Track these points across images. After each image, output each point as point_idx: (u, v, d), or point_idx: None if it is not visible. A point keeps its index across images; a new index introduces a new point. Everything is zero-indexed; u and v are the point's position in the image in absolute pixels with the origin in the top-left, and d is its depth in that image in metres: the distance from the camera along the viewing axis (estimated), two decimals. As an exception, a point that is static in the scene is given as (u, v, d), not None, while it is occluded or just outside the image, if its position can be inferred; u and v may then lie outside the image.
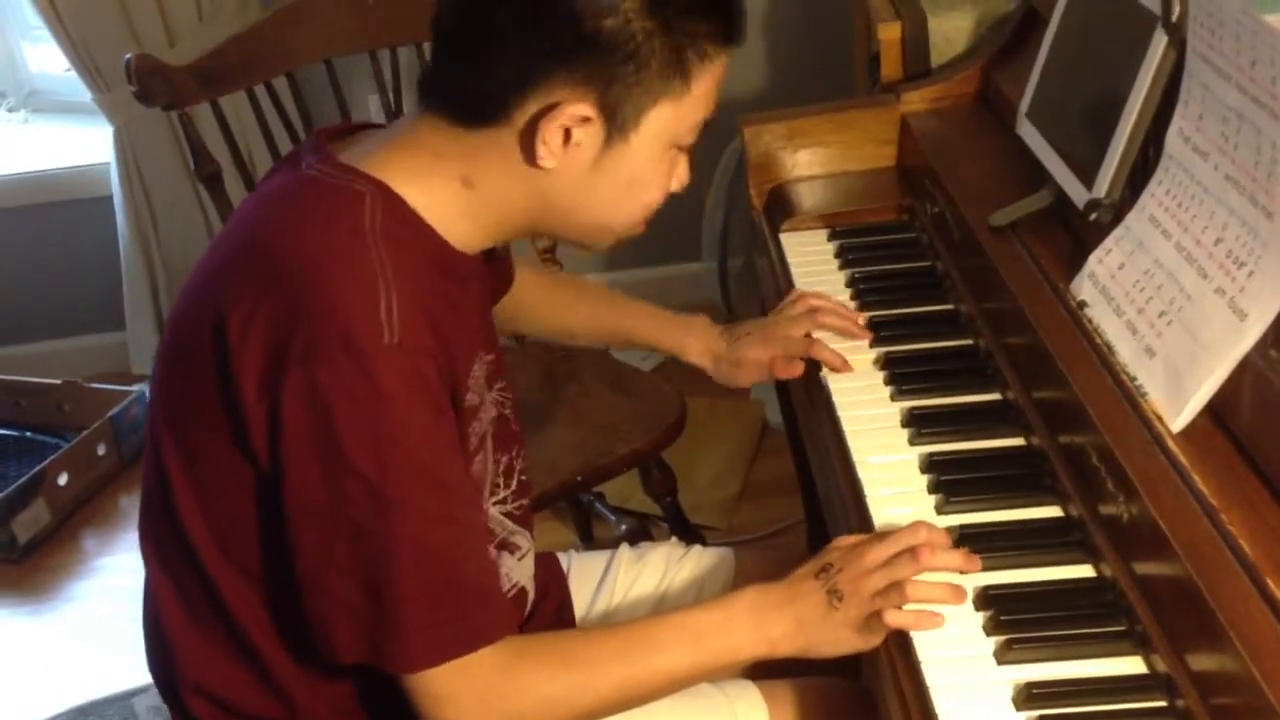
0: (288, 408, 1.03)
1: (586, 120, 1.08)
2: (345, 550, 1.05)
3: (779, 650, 1.15)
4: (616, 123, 1.09)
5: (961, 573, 1.11)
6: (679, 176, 1.19)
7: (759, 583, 1.17)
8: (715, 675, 1.22)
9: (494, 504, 1.25)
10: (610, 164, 1.11)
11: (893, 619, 1.08)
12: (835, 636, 1.13)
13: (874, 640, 1.11)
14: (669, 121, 1.11)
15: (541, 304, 1.57)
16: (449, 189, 1.13)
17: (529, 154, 1.10)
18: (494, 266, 1.39)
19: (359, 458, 1.03)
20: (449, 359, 1.10)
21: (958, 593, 1.10)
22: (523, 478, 1.32)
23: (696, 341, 1.54)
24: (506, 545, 1.30)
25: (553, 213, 1.15)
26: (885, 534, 1.14)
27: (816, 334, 1.48)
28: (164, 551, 1.18)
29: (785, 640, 1.14)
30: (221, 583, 1.14)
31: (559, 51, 1.06)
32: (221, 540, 1.13)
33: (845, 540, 1.16)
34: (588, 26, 1.05)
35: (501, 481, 1.26)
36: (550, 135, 1.08)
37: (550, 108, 1.07)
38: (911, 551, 1.11)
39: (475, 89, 1.10)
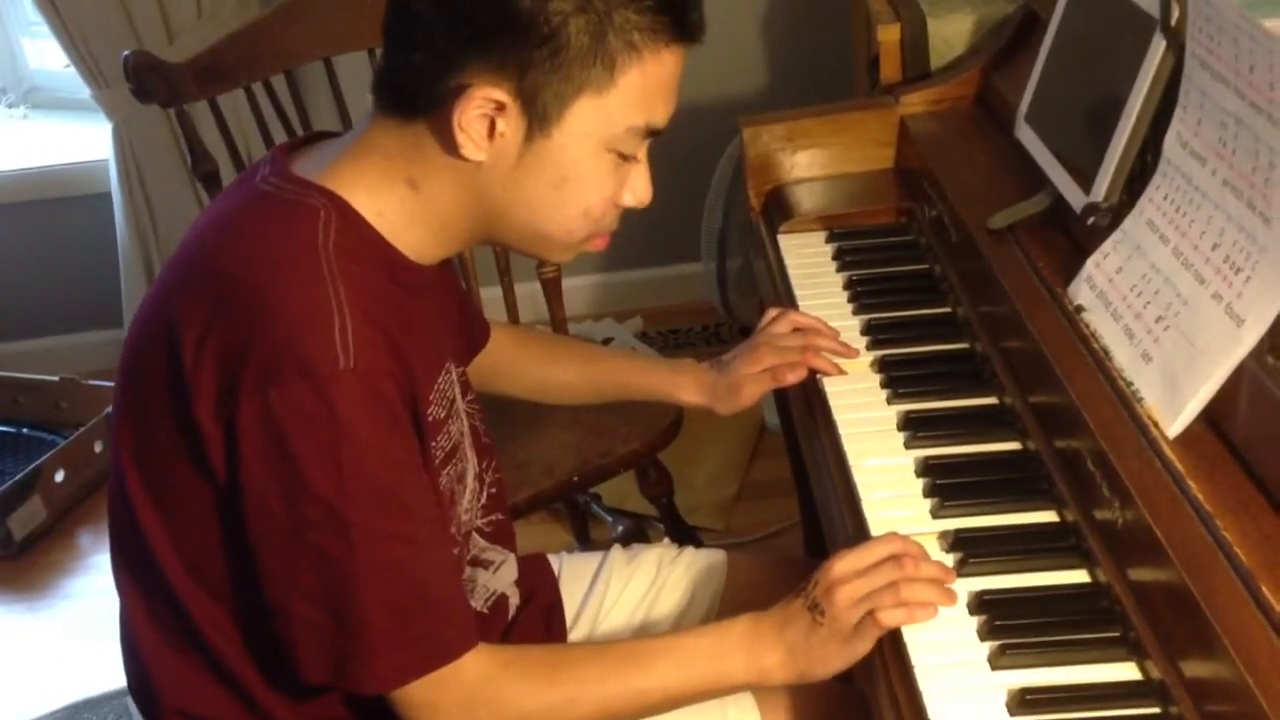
0: (244, 433, 1.02)
1: (501, 107, 1.05)
2: (308, 574, 1.04)
3: (772, 679, 1.15)
4: (536, 112, 1.05)
5: (940, 583, 1.10)
6: (634, 190, 1.14)
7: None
8: (705, 700, 1.19)
9: (464, 518, 1.24)
10: (534, 160, 1.08)
11: (887, 618, 1.08)
12: (824, 655, 1.12)
13: (861, 650, 1.10)
14: (596, 118, 1.07)
15: (520, 360, 1.52)
16: (396, 193, 1.10)
17: (452, 143, 1.06)
18: (466, 322, 1.38)
19: (318, 483, 1.01)
20: (409, 376, 1.08)
21: (948, 593, 1.09)
22: (493, 490, 1.31)
23: (687, 380, 1.49)
24: (479, 562, 1.29)
25: (491, 215, 1.12)
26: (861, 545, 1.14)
27: None
28: (135, 576, 1.17)
29: (778, 669, 1.14)
30: (192, 605, 1.13)
31: (477, 34, 1.03)
32: (189, 562, 1.12)
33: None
34: (504, 7, 1.02)
35: (471, 494, 1.25)
36: (467, 121, 1.05)
37: (463, 89, 1.04)
38: (894, 559, 1.10)
39: (407, 78, 1.08)
